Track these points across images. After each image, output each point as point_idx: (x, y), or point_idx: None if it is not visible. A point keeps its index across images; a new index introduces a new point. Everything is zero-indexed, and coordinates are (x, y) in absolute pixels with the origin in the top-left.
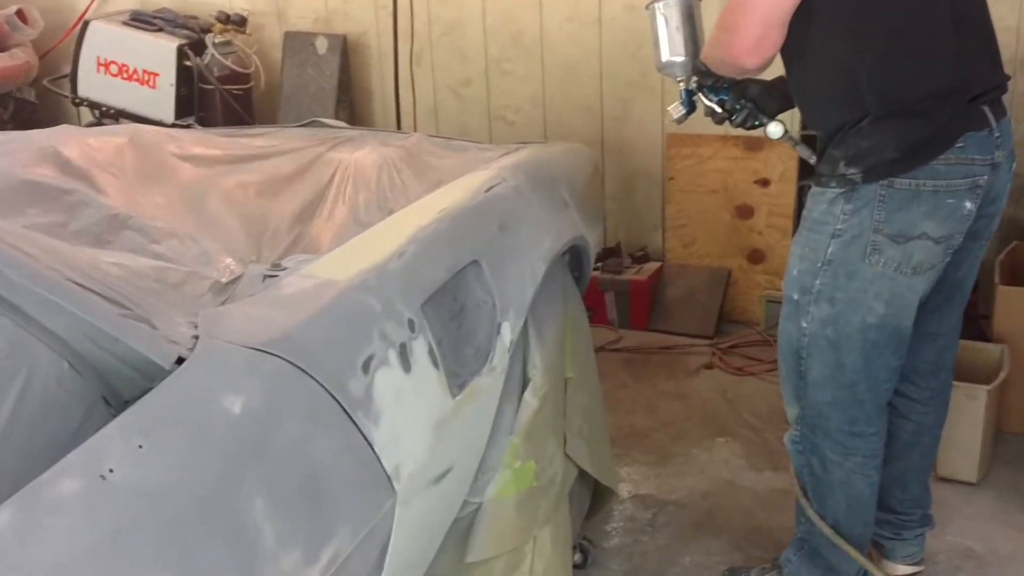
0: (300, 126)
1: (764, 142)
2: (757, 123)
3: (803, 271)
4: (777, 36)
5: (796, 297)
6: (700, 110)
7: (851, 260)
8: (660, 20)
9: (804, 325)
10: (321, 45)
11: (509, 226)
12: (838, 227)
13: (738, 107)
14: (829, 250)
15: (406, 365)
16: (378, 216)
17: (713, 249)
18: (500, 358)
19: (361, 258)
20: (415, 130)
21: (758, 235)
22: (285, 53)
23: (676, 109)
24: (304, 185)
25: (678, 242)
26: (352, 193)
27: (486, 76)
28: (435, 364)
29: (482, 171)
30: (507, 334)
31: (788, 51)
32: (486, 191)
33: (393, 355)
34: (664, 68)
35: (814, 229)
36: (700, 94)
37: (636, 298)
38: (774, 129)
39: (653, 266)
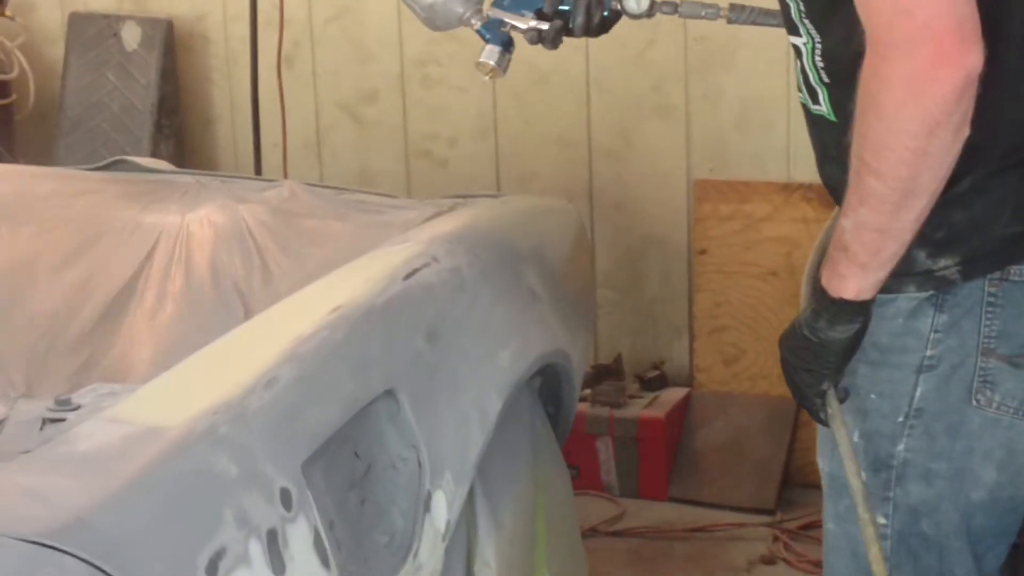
0: (97, 168)
1: None
2: (608, 10)
3: (872, 434)
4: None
5: (863, 479)
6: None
7: (953, 405)
8: None
9: (882, 522)
10: (131, 36)
11: (443, 336)
12: (928, 354)
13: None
14: (917, 393)
15: (278, 564)
16: (226, 319)
17: (773, 367)
18: (430, 551)
19: (203, 390)
20: (285, 175)
21: None
22: (70, 49)
23: (490, 54)
24: (104, 268)
25: (715, 356)
26: (183, 281)
27: (401, 87)
28: (324, 561)
29: (399, 245)
30: (441, 512)
31: (831, 52)
32: (405, 278)
33: (256, 548)
34: (445, 10)
35: (884, 363)
36: (504, 17)
37: (648, 448)
38: (635, 3)
39: (675, 395)
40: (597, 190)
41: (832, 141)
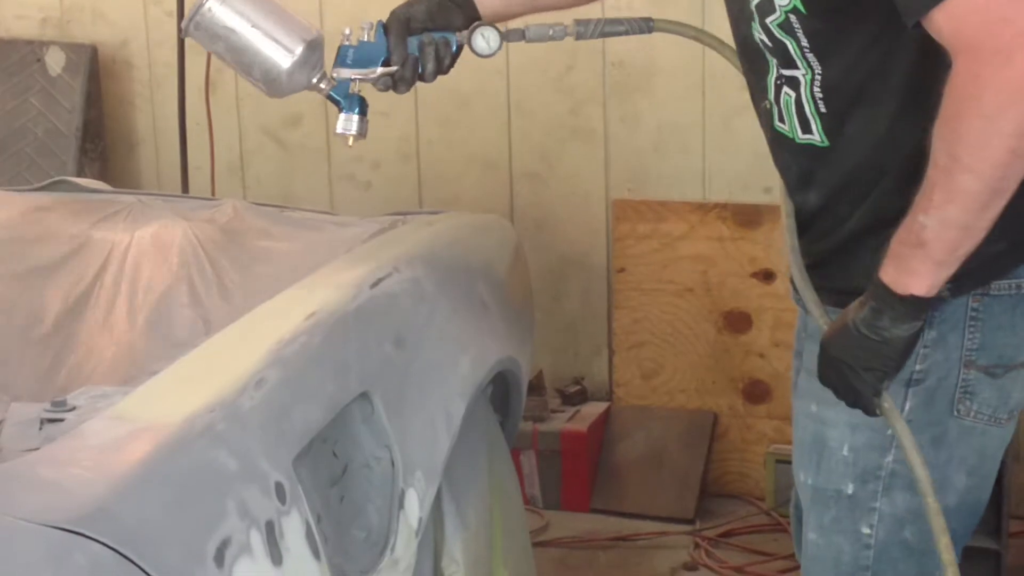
0: (38, 189)
1: (763, 214)
2: (455, 49)
3: (862, 447)
4: None
5: (851, 491)
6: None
7: (937, 417)
8: (235, 20)
9: (867, 532)
10: (55, 61)
11: (409, 342)
12: (917, 369)
13: (415, 50)
14: (907, 407)
15: (275, 554)
16: (186, 332)
17: (690, 381)
18: (405, 546)
19: (198, 390)
20: (213, 195)
21: (759, 358)
22: None
23: (348, 123)
24: (57, 282)
25: (634, 371)
26: (139, 296)
27: (325, 111)
28: (315, 553)
29: (359, 258)
30: (414, 509)
31: (831, 81)
32: (372, 287)
33: (257, 538)
34: (290, 80)
35: None
36: (351, 76)
37: (570, 460)
38: (484, 42)
39: (596, 409)
40: (518, 211)
41: (820, 166)
